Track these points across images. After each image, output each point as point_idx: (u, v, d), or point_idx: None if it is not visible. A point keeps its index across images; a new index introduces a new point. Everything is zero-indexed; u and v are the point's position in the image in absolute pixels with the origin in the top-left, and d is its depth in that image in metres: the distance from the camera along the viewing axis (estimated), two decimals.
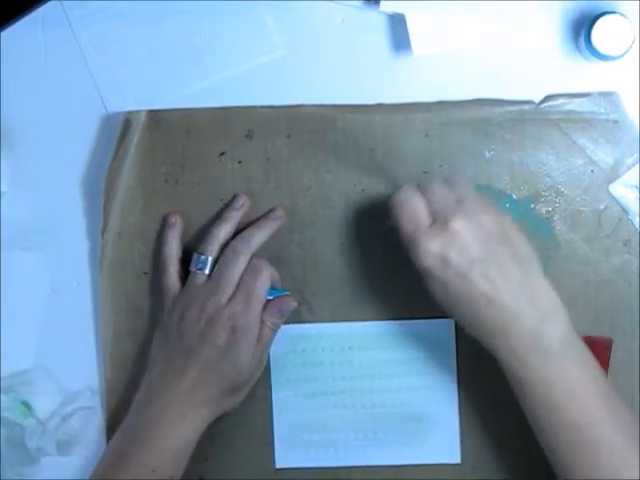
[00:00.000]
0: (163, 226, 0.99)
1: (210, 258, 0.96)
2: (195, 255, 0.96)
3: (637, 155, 0.97)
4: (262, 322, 0.94)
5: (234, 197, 0.99)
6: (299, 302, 0.98)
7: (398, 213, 0.88)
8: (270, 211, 0.99)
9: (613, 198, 0.98)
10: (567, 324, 0.85)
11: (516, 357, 0.84)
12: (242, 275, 0.94)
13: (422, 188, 0.89)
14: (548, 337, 0.84)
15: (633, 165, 0.98)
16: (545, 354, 0.84)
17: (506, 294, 0.84)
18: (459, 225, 0.84)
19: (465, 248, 0.84)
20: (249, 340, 0.93)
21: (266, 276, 0.94)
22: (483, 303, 0.84)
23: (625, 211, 0.98)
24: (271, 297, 0.95)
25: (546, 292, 0.86)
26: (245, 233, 0.97)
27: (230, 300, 0.93)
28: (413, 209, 0.87)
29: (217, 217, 0.99)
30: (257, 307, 0.93)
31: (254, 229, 0.97)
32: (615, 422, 0.84)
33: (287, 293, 0.97)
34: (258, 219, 0.99)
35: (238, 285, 0.94)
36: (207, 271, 0.95)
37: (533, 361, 0.84)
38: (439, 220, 0.85)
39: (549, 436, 0.85)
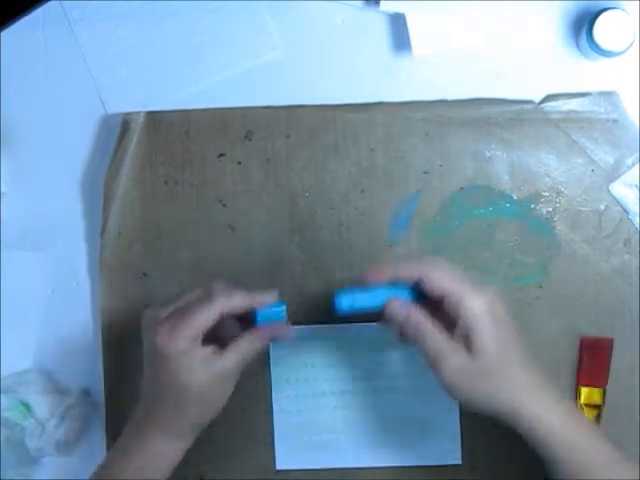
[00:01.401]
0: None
1: None
2: None
3: (637, 155, 0.97)
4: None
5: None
6: (299, 303, 0.99)
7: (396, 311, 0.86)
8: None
9: (613, 198, 0.98)
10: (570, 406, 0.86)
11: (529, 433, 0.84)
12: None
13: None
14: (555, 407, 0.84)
15: (633, 165, 0.98)
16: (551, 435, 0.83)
17: (516, 368, 0.84)
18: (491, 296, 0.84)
19: (506, 321, 0.84)
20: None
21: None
22: (495, 378, 0.83)
23: (625, 211, 0.98)
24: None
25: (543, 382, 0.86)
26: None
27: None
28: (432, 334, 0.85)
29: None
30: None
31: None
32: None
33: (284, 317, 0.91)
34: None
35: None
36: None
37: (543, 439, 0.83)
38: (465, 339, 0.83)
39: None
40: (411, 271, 0.84)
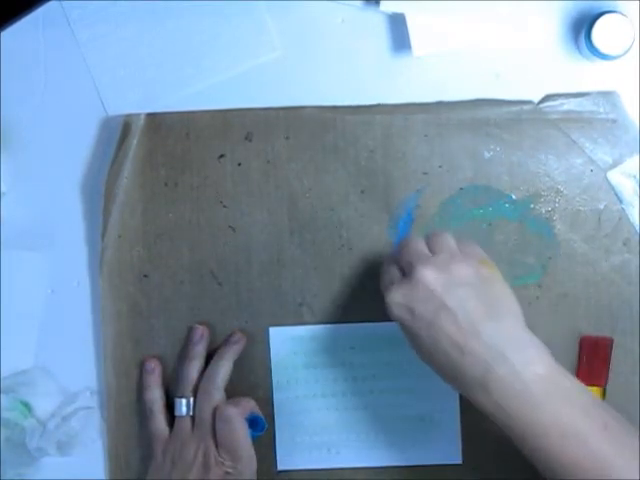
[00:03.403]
0: (142, 372, 1.00)
1: (191, 400, 0.97)
2: (177, 400, 0.97)
3: (637, 154, 0.97)
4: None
5: (191, 330, 0.99)
6: (300, 303, 0.99)
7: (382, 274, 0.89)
8: (230, 335, 0.99)
9: (610, 186, 0.98)
10: (548, 365, 0.81)
11: (500, 408, 0.80)
12: (218, 424, 0.95)
13: (401, 244, 0.89)
14: (529, 384, 0.80)
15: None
16: (528, 402, 0.80)
17: (477, 342, 0.81)
18: (423, 274, 0.83)
19: (429, 297, 0.82)
20: None
21: (239, 424, 0.95)
22: (456, 353, 0.81)
23: (620, 200, 0.98)
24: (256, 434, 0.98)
25: (523, 338, 0.82)
26: (211, 369, 0.98)
27: (217, 448, 0.95)
28: (387, 266, 0.88)
29: (183, 354, 0.99)
30: (243, 453, 0.95)
31: (217, 361, 0.98)
32: (619, 451, 0.79)
33: (266, 427, 0.98)
34: (219, 347, 0.99)
35: (218, 437, 0.95)
36: (191, 412, 0.97)
37: (518, 411, 0.80)
38: (407, 272, 0.85)
39: (553, 476, 0.81)
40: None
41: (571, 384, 0.82)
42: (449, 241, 0.87)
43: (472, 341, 0.81)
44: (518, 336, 0.82)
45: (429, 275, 0.83)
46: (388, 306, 0.84)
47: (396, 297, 0.84)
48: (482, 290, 0.83)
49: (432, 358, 0.84)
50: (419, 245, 0.87)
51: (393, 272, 0.87)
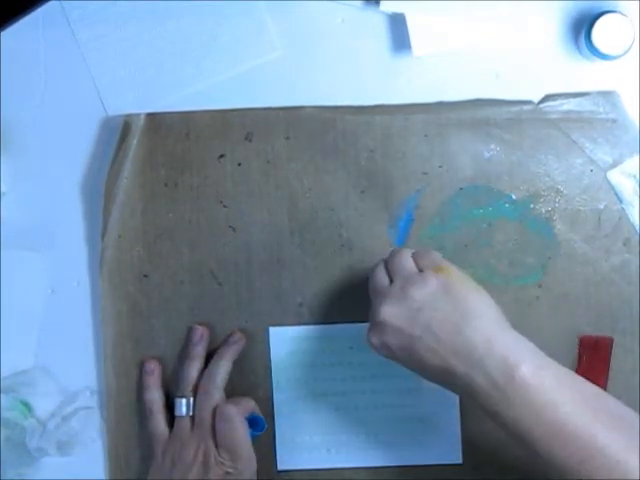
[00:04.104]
0: (142, 373, 1.00)
1: (191, 400, 0.97)
2: (177, 400, 0.98)
3: (637, 155, 0.97)
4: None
5: (191, 330, 0.99)
6: (300, 303, 0.99)
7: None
8: (229, 335, 1.00)
9: (610, 186, 0.98)
10: (534, 363, 0.79)
11: (493, 414, 0.80)
12: (218, 423, 0.95)
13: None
14: (516, 385, 0.78)
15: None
16: (516, 404, 0.78)
17: (453, 359, 0.81)
18: (386, 313, 0.84)
19: (397, 333, 0.84)
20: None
21: (239, 423, 0.95)
22: (439, 373, 0.82)
23: (620, 199, 0.98)
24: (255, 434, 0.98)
25: (498, 341, 0.81)
26: (210, 369, 0.98)
27: (217, 447, 0.95)
28: (377, 273, 0.89)
29: (183, 355, 1.00)
30: (243, 453, 0.95)
31: (217, 361, 0.98)
32: (615, 432, 0.77)
33: (266, 427, 0.98)
34: (219, 347, 1.00)
35: (218, 436, 0.95)
36: (191, 412, 0.97)
37: (508, 414, 0.79)
38: (373, 313, 0.86)
39: (549, 465, 0.79)
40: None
41: (560, 375, 0.80)
42: (404, 261, 0.87)
43: (451, 359, 0.81)
44: (493, 338, 0.81)
45: (390, 312, 0.84)
46: (369, 344, 0.86)
47: (372, 339, 0.86)
48: (444, 301, 0.83)
49: (427, 377, 0.85)
50: (380, 276, 0.88)
51: (380, 279, 0.88)
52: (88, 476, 1.01)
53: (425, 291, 0.84)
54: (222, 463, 0.94)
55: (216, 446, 0.94)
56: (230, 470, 0.94)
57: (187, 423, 0.97)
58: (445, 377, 0.82)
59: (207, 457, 0.94)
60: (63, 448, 1.00)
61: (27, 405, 1.01)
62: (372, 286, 0.88)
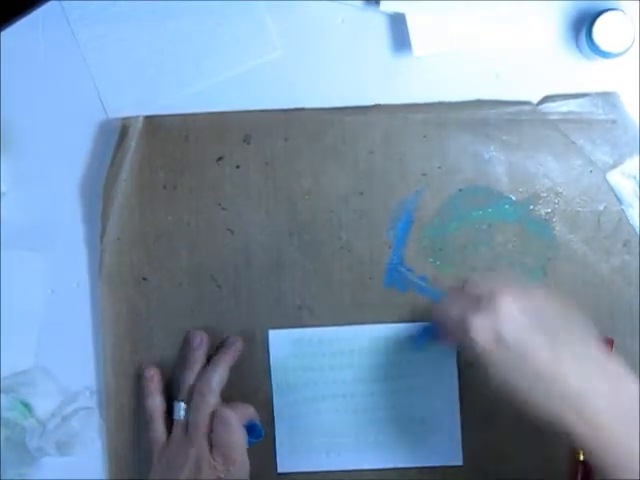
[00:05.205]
0: (142, 379, 0.99)
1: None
2: (175, 404, 0.97)
3: (637, 155, 0.97)
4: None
5: (190, 336, 0.99)
6: (299, 306, 0.99)
7: (442, 309, 0.86)
8: (225, 339, 1.00)
9: (610, 187, 0.98)
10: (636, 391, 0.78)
11: (595, 439, 0.77)
12: (216, 427, 0.95)
13: (459, 287, 0.86)
14: (621, 413, 0.77)
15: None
16: (620, 432, 0.77)
17: (571, 369, 0.78)
18: (507, 299, 0.80)
19: (516, 320, 0.79)
20: None
21: (237, 427, 0.95)
22: (548, 380, 0.78)
23: (619, 201, 0.98)
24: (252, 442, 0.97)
25: (612, 365, 0.79)
26: (206, 373, 0.97)
27: (211, 451, 0.94)
28: (455, 299, 0.85)
29: (183, 359, 0.99)
30: (237, 457, 0.94)
31: (213, 365, 0.98)
32: None
33: (263, 436, 0.98)
34: (216, 352, 0.99)
35: (213, 439, 0.95)
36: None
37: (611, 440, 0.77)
38: (485, 299, 0.81)
39: None
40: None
41: None
42: (512, 277, 0.86)
43: (565, 366, 0.78)
44: (605, 363, 0.79)
45: (512, 300, 0.80)
46: (472, 334, 0.80)
47: (482, 323, 0.80)
48: (564, 315, 0.82)
49: (517, 388, 0.80)
50: (487, 279, 0.85)
51: (464, 301, 0.83)
52: (88, 476, 1.01)
53: (548, 295, 0.83)
54: (215, 467, 0.94)
55: (210, 449, 0.94)
56: (222, 475, 0.94)
57: (183, 426, 0.97)
58: (549, 389, 0.79)
59: (199, 459, 0.94)
60: (63, 448, 1.00)
61: (27, 405, 1.01)
62: (477, 285, 0.84)
